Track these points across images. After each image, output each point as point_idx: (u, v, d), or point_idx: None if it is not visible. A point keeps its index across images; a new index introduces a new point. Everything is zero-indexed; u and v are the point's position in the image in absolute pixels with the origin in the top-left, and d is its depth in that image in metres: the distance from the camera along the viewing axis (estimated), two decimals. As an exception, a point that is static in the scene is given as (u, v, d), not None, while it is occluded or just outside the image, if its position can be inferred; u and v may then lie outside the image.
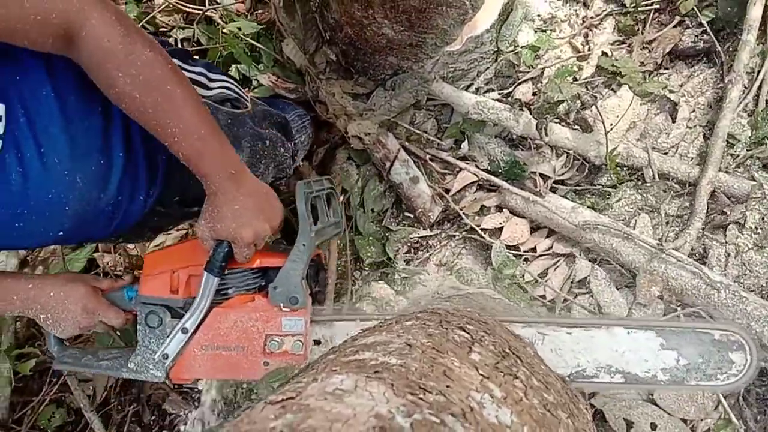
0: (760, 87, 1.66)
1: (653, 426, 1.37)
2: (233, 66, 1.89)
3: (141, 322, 1.14)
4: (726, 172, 1.62)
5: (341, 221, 1.30)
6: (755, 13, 1.62)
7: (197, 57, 1.47)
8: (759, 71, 1.65)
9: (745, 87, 1.66)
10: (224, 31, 1.83)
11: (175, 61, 1.12)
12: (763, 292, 1.51)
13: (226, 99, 1.27)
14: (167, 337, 1.12)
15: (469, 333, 0.89)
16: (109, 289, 1.19)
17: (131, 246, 2.05)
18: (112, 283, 1.20)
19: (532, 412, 0.71)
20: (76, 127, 0.95)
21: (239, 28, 1.79)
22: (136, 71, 0.89)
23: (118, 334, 1.63)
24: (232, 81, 1.33)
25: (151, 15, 1.83)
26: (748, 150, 1.63)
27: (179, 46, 1.91)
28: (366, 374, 0.60)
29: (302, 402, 0.53)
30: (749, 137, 1.63)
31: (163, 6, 1.86)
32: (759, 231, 1.54)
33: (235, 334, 1.11)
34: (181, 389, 1.96)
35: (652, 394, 1.41)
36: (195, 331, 1.11)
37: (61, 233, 1.00)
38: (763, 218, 1.53)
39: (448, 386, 0.64)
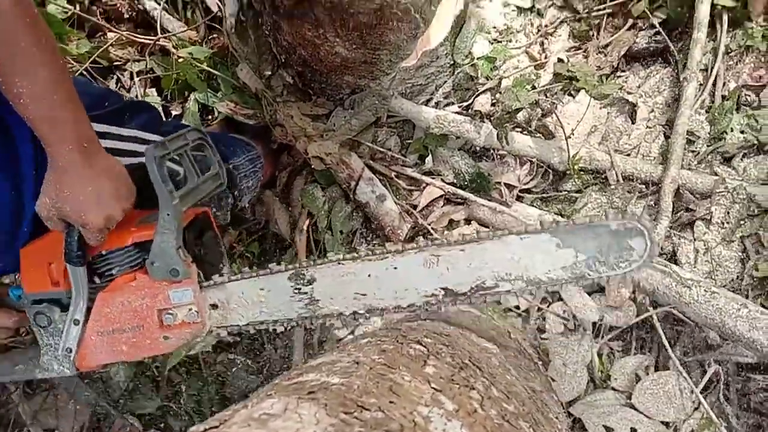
0: (714, 83, 1.67)
1: (633, 431, 1.33)
2: (191, 95, 1.87)
3: (33, 324, 1.11)
4: (688, 168, 1.62)
5: (221, 171, 1.20)
6: (704, 11, 1.64)
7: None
8: (712, 67, 1.66)
9: (701, 84, 1.67)
10: (178, 60, 1.82)
11: (107, 127, 1.09)
12: (734, 286, 1.50)
13: None
14: (62, 332, 1.09)
15: (425, 346, 0.86)
16: None
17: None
18: None
19: (487, 423, 0.67)
20: None
21: (191, 53, 1.78)
22: None
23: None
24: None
25: (103, 49, 1.81)
26: (708, 146, 1.63)
27: (135, 78, 1.89)
28: (299, 396, 0.56)
29: (224, 431, 0.50)
30: (708, 133, 1.63)
31: (116, 39, 1.84)
32: (726, 225, 1.53)
33: (127, 315, 1.07)
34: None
35: (630, 398, 1.39)
36: (87, 320, 1.08)
37: None
38: (728, 212, 1.53)
39: (391, 402, 0.61)
